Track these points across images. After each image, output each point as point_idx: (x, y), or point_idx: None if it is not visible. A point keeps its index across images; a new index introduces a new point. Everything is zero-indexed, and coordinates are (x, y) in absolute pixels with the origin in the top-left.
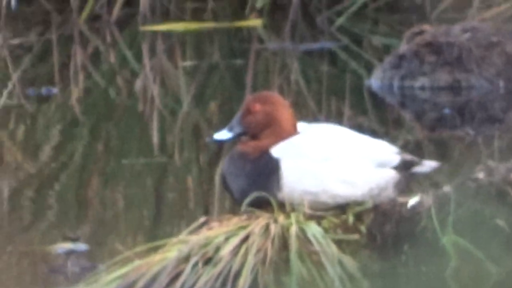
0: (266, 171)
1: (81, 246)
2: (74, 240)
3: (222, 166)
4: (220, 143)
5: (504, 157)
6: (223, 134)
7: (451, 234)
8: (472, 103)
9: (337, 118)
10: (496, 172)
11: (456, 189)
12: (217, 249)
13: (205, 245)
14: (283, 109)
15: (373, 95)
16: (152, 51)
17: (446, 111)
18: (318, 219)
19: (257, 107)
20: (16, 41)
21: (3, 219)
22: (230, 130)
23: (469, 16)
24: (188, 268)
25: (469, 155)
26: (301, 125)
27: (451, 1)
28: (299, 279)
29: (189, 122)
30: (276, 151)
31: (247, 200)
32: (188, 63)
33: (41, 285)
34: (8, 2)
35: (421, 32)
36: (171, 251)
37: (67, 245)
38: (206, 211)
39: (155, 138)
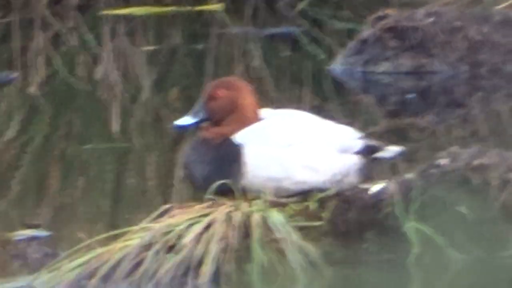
0: (229, 158)
1: (43, 233)
2: (35, 227)
3: (184, 152)
4: (183, 129)
5: (467, 143)
6: (186, 120)
7: (413, 221)
8: (435, 88)
9: (299, 103)
10: (459, 158)
11: (419, 176)
12: (180, 236)
13: (167, 232)
14: (247, 95)
15: (335, 80)
16: (113, 35)
17: (410, 96)
18: (281, 206)
19: (221, 93)
20: None
21: None
22: (193, 116)
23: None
24: (150, 255)
25: (432, 141)
26: (264, 111)
27: None
28: (261, 267)
29: (150, 107)
30: (239, 137)
31: (211, 189)
32: (150, 48)
33: (2, 272)
34: None
35: (384, 17)
36: (133, 239)
37: (28, 232)
38: (168, 198)
39: (116, 124)
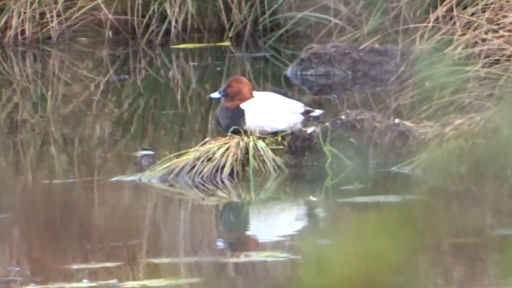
0: (238, 115)
1: (150, 152)
2: (147, 149)
3: (216, 112)
4: (213, 99)
5: (353, 108)
6: (215, 95)
7: (328, 146)
8: (336, 82)
9: (270, 90)
10: (350, 115)
11: (331, 124)
12: (213, 153)
13: (208, 151)
14: (246, 85)
15: (287, 79)
16: (177, 58)
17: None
18: (264, 139)
19: (233, 83)
20: (112, 52)
21: (113, 141)
22: (219, 93)
23: (332, 39)
24: (199, 162)
25: (336, 107)
26: (255, 93)
27: (324, 33)
28: (254, 168)
29: (196, 90)
30: (243, 105)
31: (230, 130)
32: (194, 63)
33: (127, 172)
34: (108, 35)
35: (311, 48)
36: (191, 154)
37: (143, 152)
38: (209, 135)
39: (179, 98)
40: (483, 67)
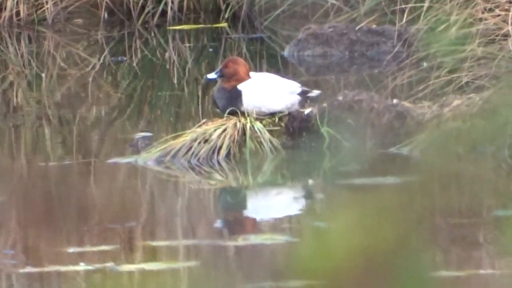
0: (236, 96)
1: (148, 134)
2: (145, 131)
3: (213, 93)
4: (210, 80)
5: (351, 89)
6: (212, 75)
7: (325, 127)
8: (333, 63)
9: (267, 71)
10: (348, 96)
11: (328, 105)
12: (210, 135)
13: (204, 132)
14: (243, 66)
15: (284, 59)
16: (173, 39)
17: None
18: (261, 120)
19: (230, 64)
20: (106, 34)
21: (109, 123)
22: (215, 74)
23: (329, 20)
24: (196, 144)
25: (332, 87)
26: (252, 74)
27: (321, 13)
28: (251, 150)
29: (193, 70)
30: (240, 86)
31: (227, 111)
32: (191, 44)
33: (126, 152)
34: (104, 16)
35: (308, 28)
36: (187, 136)
37: (141, 134)
38: (205, 116)
39: (176, 79)
40: (479, 46)
